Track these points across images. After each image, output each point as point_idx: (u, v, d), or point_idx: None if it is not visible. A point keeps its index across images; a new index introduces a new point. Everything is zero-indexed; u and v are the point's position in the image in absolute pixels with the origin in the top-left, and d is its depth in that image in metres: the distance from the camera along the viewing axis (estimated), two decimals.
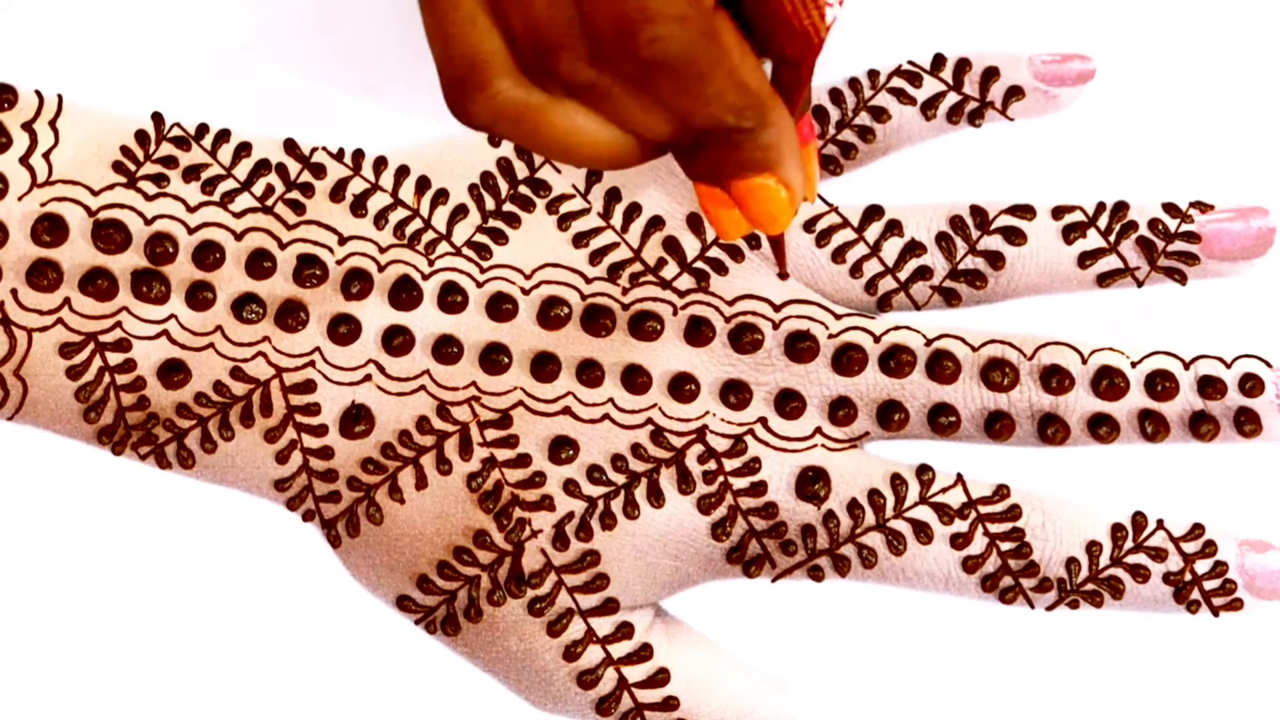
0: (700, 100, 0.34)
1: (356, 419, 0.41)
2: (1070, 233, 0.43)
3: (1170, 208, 0.43)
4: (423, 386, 0.41)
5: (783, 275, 0.41)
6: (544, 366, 0.41)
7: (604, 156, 0.35)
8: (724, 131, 0.35)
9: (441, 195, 0.42)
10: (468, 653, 0.42)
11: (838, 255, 0.43)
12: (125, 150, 0.41)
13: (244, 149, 0.42)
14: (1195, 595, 0.42)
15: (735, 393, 0.42)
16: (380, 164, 0.42)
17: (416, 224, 0.42)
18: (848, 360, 0.42)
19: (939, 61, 0.44)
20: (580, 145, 0.35)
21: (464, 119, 0.35)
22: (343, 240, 0.42)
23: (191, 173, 0.41)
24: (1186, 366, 0.42)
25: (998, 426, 0.42)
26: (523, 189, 0.42)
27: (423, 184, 0.42)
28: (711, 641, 0.43)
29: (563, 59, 0.34)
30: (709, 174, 0.36)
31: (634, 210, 0.42)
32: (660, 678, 0.42)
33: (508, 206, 0.42)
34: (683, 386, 0.41)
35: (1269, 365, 0.42)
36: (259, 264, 0.41)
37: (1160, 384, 0.42)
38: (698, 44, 0.33)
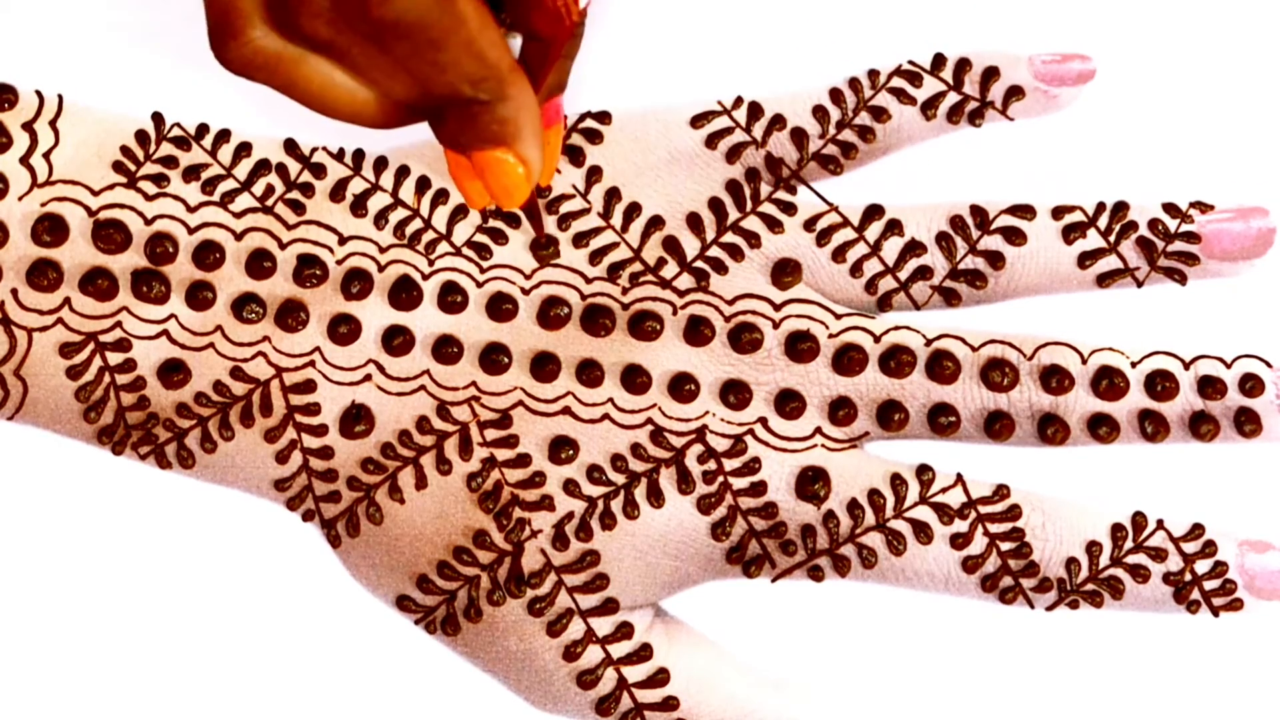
0: (435, 67, 0.34)
1: (356, 419, 0.41)
2: (1070, 233, 0.43)
3: (1170, 208, 0.43)
4: (423, 386, 0.41)
5: (541, 240, 0.42)
6: (544, 366, 0.41)
7: (360, 114, 0.36)
8: (461, 101, 0.35)
9: (441, 195, 0.42)
10: (468, 653, 0.42)
11: (838, 255, 0.43)
12: (125, 150, 0.41)
13: (244, 149, 0.42)
14: (1195, 595, 0.42)
15: (735, 392, 0.42)
16: (380, 164, 0.42)
17: (416, 224, 0.42)
18: (848, 360, 0.42)
19: (939, 61, 0.44)
20: (336, 100, 0.36)
21: (223, 64, 0.35)
22: (343, 240, 0.42)
23: (191, 173, 0.41)
24: (1186, 366, 0.42)
25: (997, 426, 0.42)
26: None
27: (423, 184, 0.42)
28: (711, 641, 0.43)
29: (303, 14, 0.34)
30: (453, 142, 0.36)
31: (634, 210, 0.42)
32: (660, 678, 0.42)
33: None
34: (682, 386, 0.41)
35: (1269, 365, 0.42)
36: (259, 264, 0.41)
37: (1160, 384, 0.42)
38: (431, 9, 0.33)
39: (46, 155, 0.41)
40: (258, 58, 0.35)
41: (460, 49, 0.34)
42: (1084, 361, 0.42)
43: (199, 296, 0.41)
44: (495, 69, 0.35)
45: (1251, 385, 0.42)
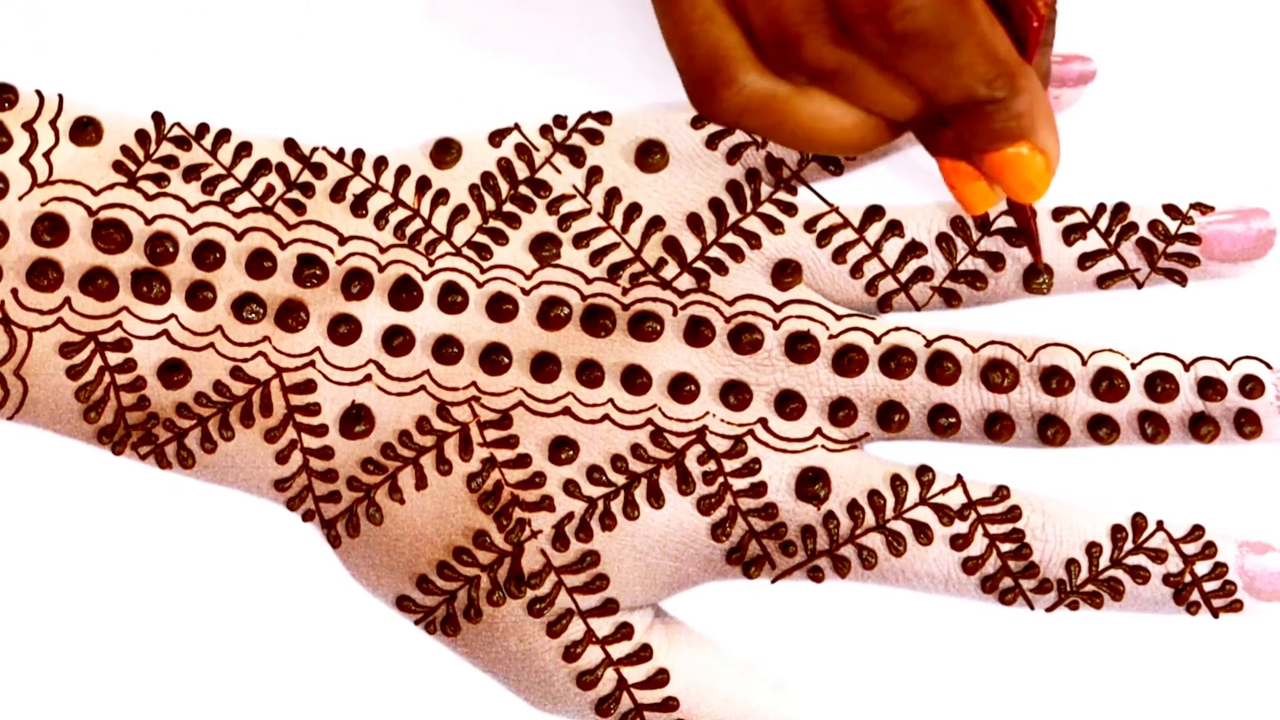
0: (951, 72, 0.34)
1: (356, 419, 0.41)
2: (1070, 234, 0.43)
3: (1170, 209, 0.43)
4: (423, 387, 0.41)
5: (1038, 263, 0.42)
6: (544, 367, 0.41)
7: (851, 141, 0.36)
8: (975, 103, 0.35)
9: (442, 195, 0.42)
10: (467, 653, 0.42)
11: (838, 255, 0.43)
12: (125, 150, 0.41)
13: (244, 149, 0.42)
14: (1195, 597, 0.42)
15: (735, 393, 0.42)
16: (380, 164, 0.42)
17: (417, 224, 0.42)
18: (848, 361, 0.42)
19: None
20: (827, 131, 0.36)
21: (711, 116, 0.36)
22: (343, 240, 0.42)
23: (192, 172, 0.41)
24: (1186, 368, 0.42)
25: (998, 427, 0.42)
26: (523, 189, 0.42)
27: (423, 184, 0.42)
28: (711, 642, 0.43)
29: (806, 45, 0.34)
30: (957, 149, 0.36)
31: (634, 210, 0.42)
32: (660, 678, 0.42)
33: (508, 207, 0.42)
34: (682, 387, 0.41)
35: (1269, 366, 0.43)
36: (259, 264, 0.41)
37: (1160, 385, 0.42)
38: (949, 14, 0.34)
39: (47, 155, 0.41)
40: (753, 101, 0.35)
41: (975, 49, 0.34)
42: (1084, 363, 0.42)
43: (199, 296, 0.41)
44: (1006, 64, 0.35)
45: (1251, 386, 0.42)
